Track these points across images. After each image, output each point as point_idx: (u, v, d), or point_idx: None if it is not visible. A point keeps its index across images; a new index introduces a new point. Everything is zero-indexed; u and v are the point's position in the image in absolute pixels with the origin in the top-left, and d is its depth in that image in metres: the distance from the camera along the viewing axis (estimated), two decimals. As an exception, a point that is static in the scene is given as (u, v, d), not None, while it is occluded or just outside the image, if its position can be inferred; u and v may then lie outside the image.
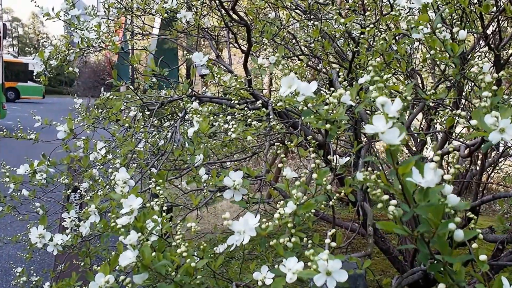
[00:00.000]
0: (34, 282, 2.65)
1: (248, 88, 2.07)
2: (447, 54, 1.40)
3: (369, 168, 2.01)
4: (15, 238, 2.67)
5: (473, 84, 1.95)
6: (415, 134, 3.32)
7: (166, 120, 3.31)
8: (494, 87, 1.00)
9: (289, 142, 1.47)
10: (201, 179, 1.82)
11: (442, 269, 0.83)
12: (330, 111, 1.11)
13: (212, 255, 1.59)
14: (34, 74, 2.72)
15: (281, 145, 1.59)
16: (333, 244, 1.12)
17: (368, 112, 2.09)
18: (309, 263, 1.03)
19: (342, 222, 2.83)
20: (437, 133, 3.46)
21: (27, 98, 25.46)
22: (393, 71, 1.88)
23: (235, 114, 1.85)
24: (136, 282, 1.14)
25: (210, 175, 1.60)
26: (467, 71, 1.41)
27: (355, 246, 4.42)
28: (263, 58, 2.03)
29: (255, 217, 1.09)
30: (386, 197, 0.82)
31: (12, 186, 2.20)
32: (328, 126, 1.11)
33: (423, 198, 0.75)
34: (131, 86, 2.43)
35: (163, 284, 1.17)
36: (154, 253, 1.17)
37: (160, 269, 1.14)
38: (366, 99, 1.25)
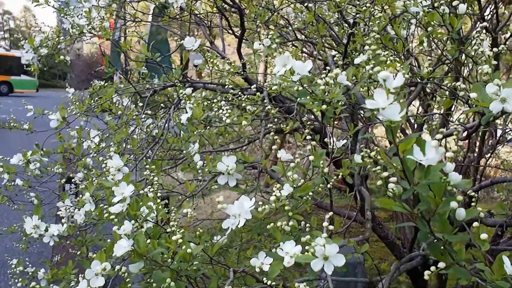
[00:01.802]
0: (30, 273, 2.62)
1: (242, 73, 2.04)
2: (444, 31, 1.38)
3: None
4: (10, 229, 2.65)
5: (471, 65, 1.93)
6: (412, 119, 3.30)
7: (159, 109, 3.28)
8: (494, 62, 0.98)
9: (285, 126, 1.44)
10: (196, 166, 1.80)
11: (442, 248, 0.81)
12: (326, 92, 1.08)
13: (208, 242, 1.58)
14: (25, 64, 2.68)
15: (276, 133, 1.57)
16: (331, 227, 1.10)
17: (364, 95, 2.06)
18: (307, 247, 1.01)
19: (340, 210, 2.82)
20: (434, 117, 3.45)
21: (21, 92, 25.26)
22: (389, 54, 1.86)
23: (229, 99, 1.82)
24: (132, 271, 1.12)
25: (205, 162, 1.58)
26: (466, 49, 1.39)
27: (353, 234, 4.42)
28: (259, 44, 2.01)
29: (250, 200, 1.07)
30: (386, 174, 0.80)
31: (6, 177, 2.18)
32: (324, 107, 1.08)
33: (424, 176, 0.73)
34: (122, 76, 2.40)
35: (159, 272, 1.15)
36: (149, 241, 1.15)
37: (156, 257, 1.12)
38: (363, 79, 1.22)
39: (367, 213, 1.89)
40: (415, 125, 3.34)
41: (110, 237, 2.51)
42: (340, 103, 1.12)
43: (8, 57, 24.69)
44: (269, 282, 1.04)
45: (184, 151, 1.83)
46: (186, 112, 1.58)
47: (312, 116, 2.56)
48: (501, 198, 3.67)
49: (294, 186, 1.09)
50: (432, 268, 0.80)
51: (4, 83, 24.58)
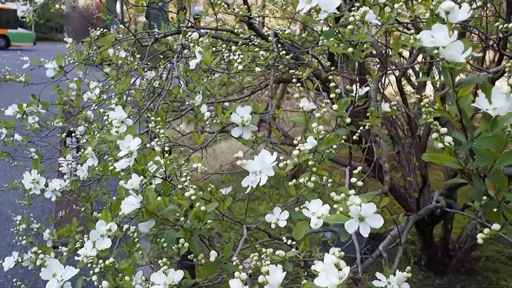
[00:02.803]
0: (35, 229, 2.57)
1: (250, 17, 1.90)
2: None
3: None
4: (12, 185, 2.57)
5: None
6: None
7: (159, 60, 3.15)
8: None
9: (300, 73, 1.32)
10: (203, 117, 1.69)
11: (496, 208, 0.72)
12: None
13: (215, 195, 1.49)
14: (21, 16, 2.59)
15: (280, 83, 1.47)
16: (360, 183, 1.01)
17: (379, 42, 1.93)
18: (335, 206, 0.92)
19: (354, 163, 2.73)
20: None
21: (18, 46, 24.87)
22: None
23: (239, 44, 1.69)
24: (142, 230, 1.03)
25: (214, 113, 1.48)
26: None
27: (368, 188, 4.37)
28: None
29: (272, 155, 0.96)
30: (444, 129, 0.68)
31: (4, 132, 2.08)
32: (350, 49, 0.97)
33: (491, 128, 0.62)
34: (121, 23, 2.25)
35: (171, 232, 1.06)
36: (159, 198, 1.06)
37: (168, 215, 1.03)
38: (390, 19, 1.10)
39: (385, 165, 1.80)
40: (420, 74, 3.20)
41: (115, 193, 2.44)
42: (366, 46, 1.00)
43: (3, 10, 24.12)
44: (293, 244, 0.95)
45: (188, 102, 1.72)
46: (195, 57, 1.45)
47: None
48: None
49: (318, 138, 0.99)
50: (486, 230, 0.70)
51: (1, 37, 24.14)
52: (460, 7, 0.71)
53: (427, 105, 0.80)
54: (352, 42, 0.95)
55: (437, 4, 0.78)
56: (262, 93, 5.35)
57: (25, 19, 2.55)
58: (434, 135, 0.76)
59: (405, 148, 3.08)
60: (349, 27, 0.91)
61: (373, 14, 0.95)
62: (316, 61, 2.03)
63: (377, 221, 0.83)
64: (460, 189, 3.39)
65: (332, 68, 1.20)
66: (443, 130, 0.67)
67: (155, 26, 4.23)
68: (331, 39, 0.95)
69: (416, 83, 3.29)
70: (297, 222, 0.99)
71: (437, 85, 3.85)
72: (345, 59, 3.73)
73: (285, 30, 1.68)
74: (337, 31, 0.91)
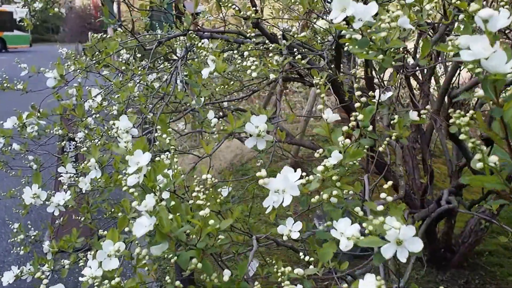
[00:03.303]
0: (32, 237, 2.49)
1: (257, 19, 1.82)
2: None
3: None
4: (10, 193, 2.49)
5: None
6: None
7: (160, 62, 3.08)
8: None
9: (319, 78, 1.24)
10: (210, 123, 1.61)
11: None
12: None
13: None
14: (18, 18, 2.52)
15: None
16: (389, 198, 0.93)
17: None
18: (364, 224, 0.84)
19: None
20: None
21: (14, 48, 24.72)
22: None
23: (250, 49, 1.61)
24: (155, 253, 0.96)
25: (221, 119, 1.41)
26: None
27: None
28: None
29: (295, 171, 0.88)
30: (495, 158, 0.61)
31: (1, 141, 2.00)
32: (381, 57, 0.89)
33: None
34: (123, 26, 2.18)
35: (184, 253, 0.98)
36: (171, 216, 0.98)
37: (181, 236, 0.96)
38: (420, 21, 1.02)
39: (399, 169, 1.73)
40: (425, 70, 3.13)
41: (114, 199, 2.35)
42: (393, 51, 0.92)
43: (0, 12, 24.00)
44: (318, 266, 0.88)
45: (195, 107, 1.65)
46: (197, 59, 1.37)
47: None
48: None
49: (344, 151, 0.91)
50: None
51: (-3, 40, 24.05)
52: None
53: (465, 122, 0.73)
54: (383, 49, 0.88)
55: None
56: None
57: (22, 23, 2.48)
58: (477, 156, 0.68)
59: (408, 143, 3.02)
60: (382, 34, 0.84)
61: (406, 19, 0.88)
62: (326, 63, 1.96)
63: (417, 244, 0.76)
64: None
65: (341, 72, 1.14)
66: (494, 159, 0.60)
67: (157, 26, 4.14)
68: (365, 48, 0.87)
69: (421, 78, 3.24)
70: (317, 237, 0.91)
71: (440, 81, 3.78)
72: (346, 54, 3.66)
73: (290, 31, 1.60)
74: (371, 40, 0.83)
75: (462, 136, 0.72)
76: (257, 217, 3.31)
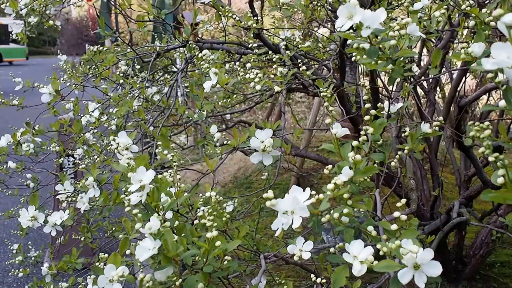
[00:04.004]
0: (33, 258, 2.44)
1: (258, 29, 1.78)
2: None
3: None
4: (8, 213, 2.43)
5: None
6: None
7: (159, 74, 3.04)
8: None
9: (324, 89, 1.20)
10: (213, 138, 1.57)
11: None
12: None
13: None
14: (14, 34, 2.48)
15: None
16: (404, 217, 0.89)
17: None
18: (378, 247, 0.79)
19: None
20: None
21: (10, 61, 24.71)
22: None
23: (252, 60, 1.57)
24: (159, 279, 0.91)
25: (224, 132, 1.36)
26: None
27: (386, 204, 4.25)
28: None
29: (304, 191, 0.84)
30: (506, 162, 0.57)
31: (-4, 159, 1.94)
32: (390, 66, 0.85)
33: None
34: (120, 38, 2.14)
35: (191, 278, 0.93)
36: (176, 237, 0.94)
37: (187, 260, 0.91)
38: (430, 28, 0.98)
39: (410, 182, 1.68)
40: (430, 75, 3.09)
41: (114, 216, 2.29)
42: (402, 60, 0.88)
43: (-5, 26, 23.99)
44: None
45: (199, 121, 1.61)
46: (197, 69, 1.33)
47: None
48: None
49: (355, 168, 0.86)
50: None
51: (-8, 53, 24.04)
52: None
53: (486, 134, 0.69)
54: (393, 59, 0.83)
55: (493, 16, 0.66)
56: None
57: (17, 37, 2.44)
58: (501, 171, 0.64)
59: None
60: (392, 42, 0.79)
61: (416, 26, 0.83)
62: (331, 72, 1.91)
63: (435, 268, 0.71)
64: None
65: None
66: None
67: (155, 36, 4.09)
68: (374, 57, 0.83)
69: (426, 86, 3.20)
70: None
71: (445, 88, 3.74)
72: (349, 63, 3.62)
73: (293, 40, 1.56)
74: (380, 49, 0.79)
75: (482, 150, 0.68)
76: (263, 231, 3.25)
